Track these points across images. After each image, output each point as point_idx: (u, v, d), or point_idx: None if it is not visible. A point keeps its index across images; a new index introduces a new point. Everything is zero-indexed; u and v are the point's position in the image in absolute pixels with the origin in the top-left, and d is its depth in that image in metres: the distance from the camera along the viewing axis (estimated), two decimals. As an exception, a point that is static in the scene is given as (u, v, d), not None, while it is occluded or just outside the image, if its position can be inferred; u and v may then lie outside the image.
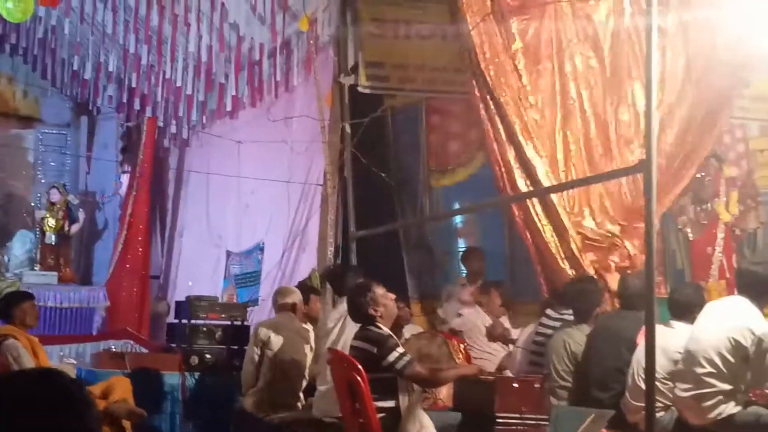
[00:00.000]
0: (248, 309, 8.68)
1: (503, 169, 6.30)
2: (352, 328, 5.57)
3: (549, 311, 6.30)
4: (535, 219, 6.22)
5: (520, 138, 6.25)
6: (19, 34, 11.27)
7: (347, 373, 5.30)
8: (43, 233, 10.93)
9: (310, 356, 6.57)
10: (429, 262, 8.61)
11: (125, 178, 11.61)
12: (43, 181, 11.96)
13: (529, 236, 6.32)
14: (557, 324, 6.10)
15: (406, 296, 7.90)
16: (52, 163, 12.19)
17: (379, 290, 5.42)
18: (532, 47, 6.47)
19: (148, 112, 11.05)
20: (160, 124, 11.16)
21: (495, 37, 6.43)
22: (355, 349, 5.34)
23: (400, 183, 8.58)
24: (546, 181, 6.20)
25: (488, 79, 6.37)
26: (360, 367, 5.15)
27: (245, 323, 8.20)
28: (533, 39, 6.48)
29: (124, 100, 11.18)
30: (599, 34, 6.55)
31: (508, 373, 6.39)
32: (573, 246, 6.14)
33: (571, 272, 6.20)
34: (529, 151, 6.24)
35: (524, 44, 6.46)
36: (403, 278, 8.41)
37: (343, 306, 5.75)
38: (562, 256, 6.14)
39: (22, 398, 1.53)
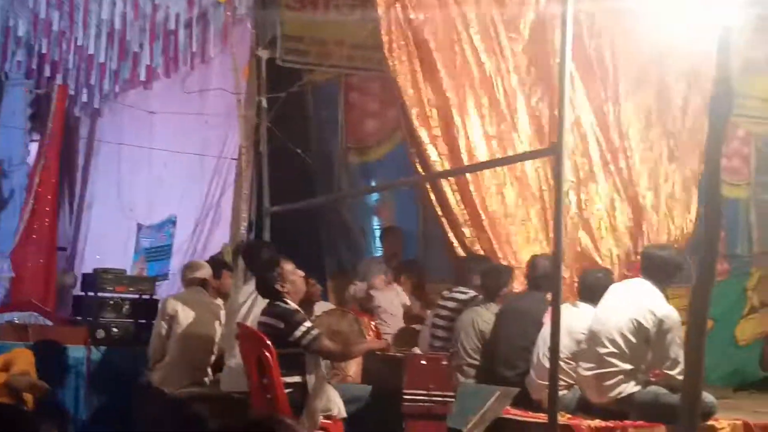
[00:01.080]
0: (157, 283, 8.55)
1: (416, 149, 6.33)
2: (262, 304, 5.55)
3: (446, 292, 6.38)
4: (447, 199, 6.27)
5: (415, 121, 6.29)
6: None
7: (256, 348, 5.29)
8: (-60, 201, 10.56)
9: (219, 331, 6.51)
10: (344, 240, 8.61)
11: (34, 147, 11.25)
12: (-56, 148, 11.51)
13: (441, 217, 6.35)
14: (455, 304, 6.18)
15: (320, 273, 7.88)
16: (-46, 130, 11.74)
17: (288, 266, 5.43)
18: (434, 31, 6.46)
19: (59, 80, 10.68)
20: (72, 92, 10.80)
21: (401, 21, 6.42)
22: (263, 325, 5.34)
23: (317, 159, 8.54)
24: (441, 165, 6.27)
25: (392, 59, 6.38)
26: (268, 342, 5.15)
27: (154, 297, 8.08)
28: (435, 24, 6.46)
29: (34, 67, 10.80)
30: (514, 19, 6.56)
31: (417, 351, 6.45)
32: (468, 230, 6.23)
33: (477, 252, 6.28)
34: (423, 134, 6.30)
35: (428, 28, 6.44)
36: (318, 255, 8.39)
37: (254, 282, 5.72)
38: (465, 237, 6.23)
39: None
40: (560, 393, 4.65)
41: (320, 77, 8.45)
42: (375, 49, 7.02)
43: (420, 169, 6.35)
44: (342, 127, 8.56)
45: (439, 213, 6.37)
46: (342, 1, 7.82)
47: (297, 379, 5.18)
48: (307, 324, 5.28)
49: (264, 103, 8.02)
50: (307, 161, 8.33)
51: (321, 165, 8.57)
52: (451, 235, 6.31)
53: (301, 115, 8.28)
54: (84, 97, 10.71)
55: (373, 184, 8.83)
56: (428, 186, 6.37)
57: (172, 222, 9.70)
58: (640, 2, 6.07)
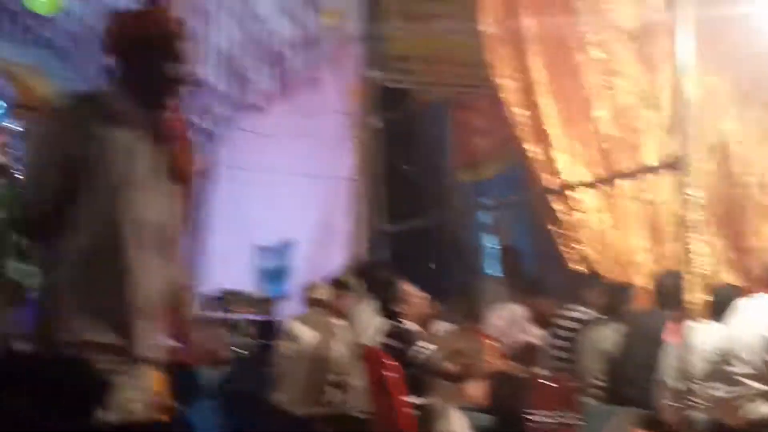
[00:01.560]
0: (277, 304, 8.71)
1: (533, 165, 6.26)
2: (383, 324, 5.59)
3: (564, 311, 6.26)
4: (563, 216, 6.18)
5: (526, 138, 6.21)
6: (49, 27, 11.35)
7: (379, 369, 5.32)
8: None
9: (341, 352, 6.57)
10: (459, 259, 8.59)
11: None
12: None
13: (558, 233, 6.26)
14: (574, 323, 6.06)
15: (435, 292, 7.89)
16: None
17: (406, 287, 5.44)
18: (549, 42, 6.39)
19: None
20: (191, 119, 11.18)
21: (510, 33, 6.38)
22: (384, 346, 5.36)
23: (429, 178, 8.56)
24: (568, 177, 6.16)
25: (500, 76, 6.34)
26: (392, 363, 5.18)
27: (275, 318, 8.23)
28: (550, 34, 6.39)
29: (153, 95, 11.20)
30: (625, 28, 6.44)
31: (538, 371, 6.37)
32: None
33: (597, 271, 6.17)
34: (550, 148, 6.20)
35: (541, 39, 6.38)
36: (435, 274, 8.39)
37: (373, 302, 5.77)
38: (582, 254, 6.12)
39: None
40: (692, 414, 4.52)
41: (428, 96, 8.48)
42: (483, 67, 7.01)
43: (535, 186, 6.28)
44: (452, 146, 8.56)
45: (556, 230, 6.29)
46: (450, 20, 7.83)
47: (420, 400, 5.18)
48: (428, 345, 5.28)
49: (375, 124, 8.14)
50: (418, 180, 8.38)
51: (432, 184, 8.58)
52: (568, 252, 6.22)
53: (410, 135, 8.33)
54: (201, 123, 11.04)
55: (486, 202, 8.79)
56: (544, 203, 6.29)
57: (289, 244, 9.87)
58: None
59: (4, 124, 11.54)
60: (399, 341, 5.30)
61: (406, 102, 7.99)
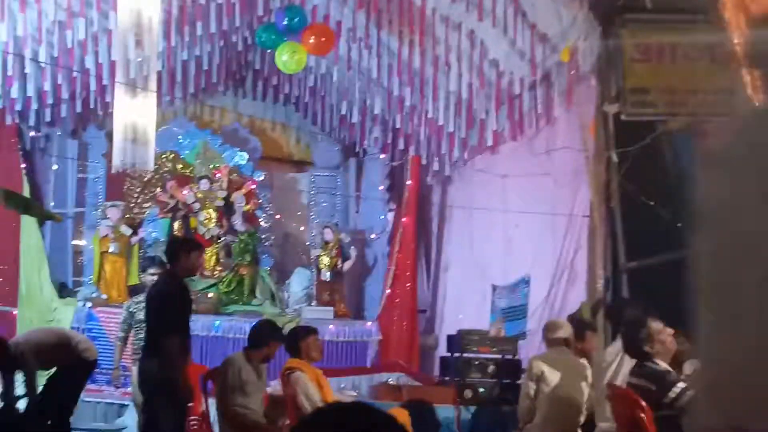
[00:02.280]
0: (517, 343, 8.66)
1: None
2: (630, 363, 5.41)
3: None
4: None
5: None
6: (292, 84, 12.08)
7: (629, 410, 5.14)
8: (318, 270, 11.53)
9: (587, 392, 6.42)
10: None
11: (391, 216, 12.01)
12: (316, 221, 12.65)
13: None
14: None
15: (687, 329, 7.53)
16: (324, 204, 12.87)
17: (656, 325, 5.22)
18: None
19: (412, 151, 11.40)
20: (424, 161, 11.47)
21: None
22: (633, 386, 5.17)
23: (677, 210, 8.22)
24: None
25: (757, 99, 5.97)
26: (643, 404, 4.98)
27: (516, 357, 8.18)
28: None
29: (389, 141, 11.63)
30: None
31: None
32: None
33: None
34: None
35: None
36: (685, 311, 8.02)
37: (620, 341, 5.60)
38: None
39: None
40: None
41: (672, 127, 8.18)
42: (734, 93, 6.69)
43: None
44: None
45: None
46: (691, 48, 7.57)
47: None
48: (681, 385, 5.04)
49: (614, 158, 7.96)
50: (662, 214, 8.07)
51: (680, 216, 8.24)
52: None
53: (656, 167, 8.06)
54: (435, 166, 11.29)
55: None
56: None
57: (525, 282, 9.80)
58: None
59: (251, 175, 12.37)
60: (649, 381, 5.09)
61: (646, 134, 7.76)
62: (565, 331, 6.84)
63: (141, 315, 6.96)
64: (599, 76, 8.20)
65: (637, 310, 5.76)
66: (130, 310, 7.65)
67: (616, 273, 7.86)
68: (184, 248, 6.41)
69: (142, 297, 7.20)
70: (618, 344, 5.91)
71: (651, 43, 7.82)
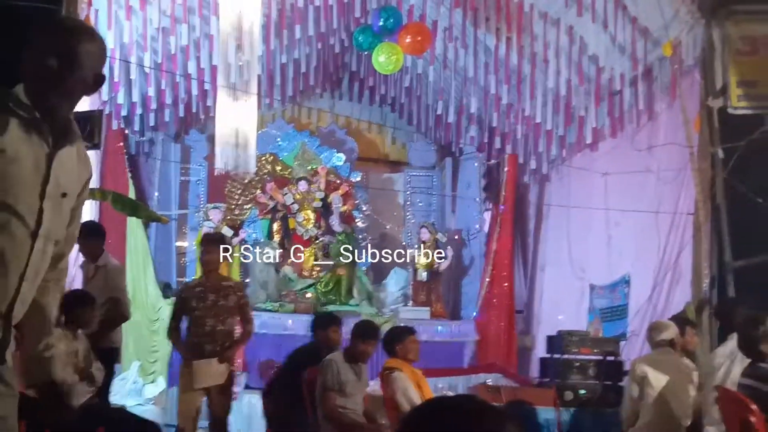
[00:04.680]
0: (618, 344, 8.49)
1: None
2: (741, 365, 5.24)
3: None
4: None
5: None
6: (388, 85, 12.13)
7: (740, 412, 4.97)
8: (415, 270, 11.54)
9: (693, 395, 6.25)
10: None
11: (488, 215, 11.94)
12: (412, 221, 12.68)
13: None
14: None
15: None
16: (420, 204, 12.90)
17: (772, 324, 5.04)
18: None
19: (509, 150, 11.31)
20: (520, 160, 11.37)
21: None
22: (744, 387, 5.01)
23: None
24: None
25: None
26: (754, 406, 4.82)
27: (618, 358, 8.02)
28: None
29: (485, 140, 11.56)
30: None
31: None
32: None
33: None
34: None
35: None
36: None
37: (732, 342, 5.42)
38: None
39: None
40: None
41: (782, 121, 7.90)
42: None
43: None
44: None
45: None
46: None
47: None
48: (797, 387, 4.86)
49: (720, 154, 7.72)
50: (771, 211, 7.80)
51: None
52: None
53: (763, 163, 7.80)
54: (532, 165, 11.18)
55: None
56: None
57: (626, 281, 9.61)
58: None
59: (348, 176, 12.47)
60: (762, 382, 4.92)
61: (753, 129, 7.49)
62: (671, 332, 6.67)
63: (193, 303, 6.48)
64: (703, 70, 7.95)
65: (751, 309, 5.58)
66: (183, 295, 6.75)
67: (722, 272, 7.61)
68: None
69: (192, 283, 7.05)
70: (729, 346, 5.72)
71: (758, 34, 7.55)
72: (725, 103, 7.73)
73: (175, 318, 6.63)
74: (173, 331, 6.63)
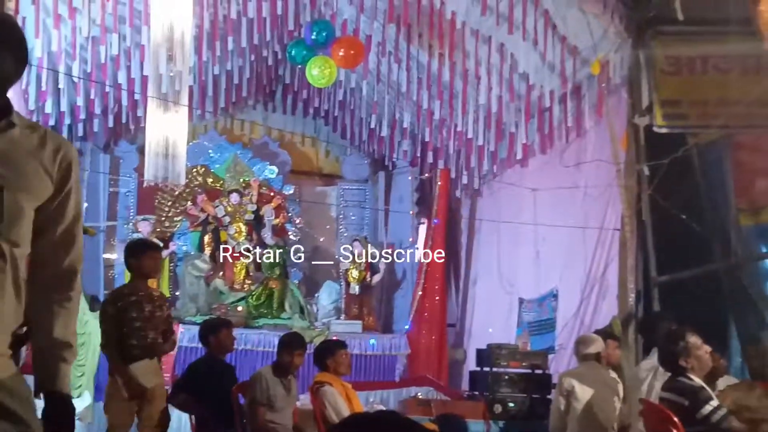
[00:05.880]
0: (546, 357, 8.60)
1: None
2: (663, 379, 5.35)
3: None
4: None
5: None
6: (321, 98, 12.14)
7: (662, 425, 5.08)
8: (347, 284, 11.53)
9: (618, 407, 6.37)
10: (747, 309, 8.07)
11: (420, 229, 12.00)
12: (345, 234, 12.67)
13: None
14: None
15: (721, 345, 7.44)
16: (353, 217, 12.90)
17: (694, 340, 5.15)
18: None
19: (441, 164, 11.41)
20: (453, 175, 11.47)
21: None
22: (665, 401, 5.11)
23: (707, 224, 8.15)
24: None
25: None
26: (676, 419, 4.92)
27: (546, 372, 8.13)
28: None
29: (418, 154, 11.65)
30: None
31: None
32: None
33: None
34: None
35: None
36: (717, 326, 7.93)
37: (654, 356, 5.54)
38: None
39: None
40: None
41: (703, 139, 8.11)
42: (765, 105, 6.63)
43: None
44: (731, 189, 8.11)
45: None
46: (722, 59, 7.51)
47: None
48: (715, 402, 4.97)
49: (646, 171, 7.89)
50: (694, 227, 8.00)
51: (711, 230, 8.16)
52: None
53: (686, 180, 8.00)
54: (464, 179, 11.28)
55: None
56: None
57: (553, 295, 9.75)
58: None
59: (280, 188, 12.42)
60: (682, 397, 5.02)
61: (677, 147, 7.69)
62: (597, 346, 6.80)
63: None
64: (630, 89, 8.14)
65: (672, 324, 5.70)
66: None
67: (647, 287, 7.77)
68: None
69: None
70: (652, 359, 5.84)
71: (682, 55, 7.76)
72: (651, 121, 7.91)
73: (118, 329, 6.03)
74: (117, 344, 6.03)
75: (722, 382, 6.56)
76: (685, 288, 7.33)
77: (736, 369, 7.68)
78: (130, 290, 6.11)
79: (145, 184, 9.25)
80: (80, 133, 10.58)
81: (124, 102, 10.37)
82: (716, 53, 7.54)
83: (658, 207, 7.73)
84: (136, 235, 10.98)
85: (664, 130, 7.78)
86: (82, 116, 10.27)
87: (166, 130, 8.22)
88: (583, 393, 6.40)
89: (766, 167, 7.88)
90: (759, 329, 7.82)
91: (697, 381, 5.07)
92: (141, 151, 10.02)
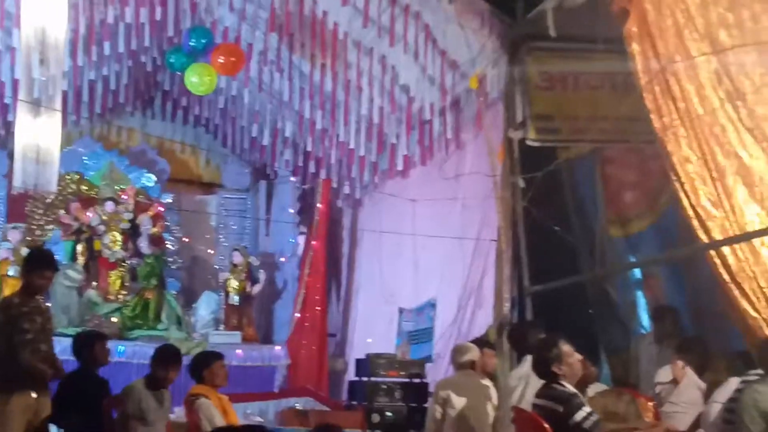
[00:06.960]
0: (424, 366, 8.70)
1: (691, 218, 5.90)
2: (536, 386, 5.48)
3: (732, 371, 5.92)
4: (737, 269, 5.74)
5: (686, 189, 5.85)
6: (202, 106, 11.97)
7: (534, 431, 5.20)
8: (226, 294, 11.39)
9: (492, 415, 6.49)
10: (614, 318, 8.35)
11: (302, 239, 11.97)
12: (225, 244, 12.51)
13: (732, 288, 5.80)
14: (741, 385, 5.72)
15: (591, 353, 7.67)
16: (234, 227, 12.75)
17: (566, 347, 5.29)
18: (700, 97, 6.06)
19: (323, 174, 11.42)
20: (334, 185, 11.50)
21: (666, 91, 6.11)
22: (538, 408, 5.23)
23: (578, 235, 8.41)
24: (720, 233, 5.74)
25: (661, 129, 6.06)
26: (546, 426, 5.05)
27: (423, 380, 8.21)
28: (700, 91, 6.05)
29: (300, 164, 11.62)
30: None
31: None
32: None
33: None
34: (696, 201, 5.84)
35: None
36: (587, 334, 8.17)
37: (527, 364, 5.68)
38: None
39: None
40: None
41: (574, 153, 8.38)
42: (632, 121, 6.86)
43: (703, 238, 5.86)
44: (601, 202, 8.40)
45: (728, 282, 5.81)
46: (592, 76, 7.76)
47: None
48: (587, 408, 5.12)
49: (520, 184, 8.08)
50: (566, 238, 8.24)
51: (582, 241, 8.43)
52: (736, 308, 5.79)
53: (559, 193, 8.24)
54: (346, 189, 11.33)
55: (637, 257, 8.52)
56: (713, 256, 5.85)
57: (432, 305, 9.88)
58: None
59: (158, 197, 12.17)
60: (555, 403, 5.15)
61: (551, 160, 7.91)
62: (473, 354, 6.93)
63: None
64: (506, 103, 8.32)
65: (546, 333, 5.83)
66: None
67: (522, 296, 7.95)
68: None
69: None
70: (524, 367, 5.98)
71: (555, 71, 7.98)
72: (525, 135, 8.09)
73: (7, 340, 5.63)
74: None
75: (592, 389, 6.78)
76: (557, 297, 7.53)
77: (606, 377, 7.93)
78: (18, 301, 5.79)
79: (14, 191, 8.90)
80: (-54, 137, 10.13)
81: (-6, 106, 9.99)
82: (587, 70, 7.77)
83: (532, 219, 7.92)
84: (5, 244, 10.57)
85: (537, 144, 7.97)
86: (-51, 119, 9.85)
87: (38, 135, 7.94)
88: (459, 401, 6.51)
89: (633, 180, 8.18)
90: (622, 339, 8.11)
91: (570, 387, 5.21)
92: (11, 156, 9.63)
